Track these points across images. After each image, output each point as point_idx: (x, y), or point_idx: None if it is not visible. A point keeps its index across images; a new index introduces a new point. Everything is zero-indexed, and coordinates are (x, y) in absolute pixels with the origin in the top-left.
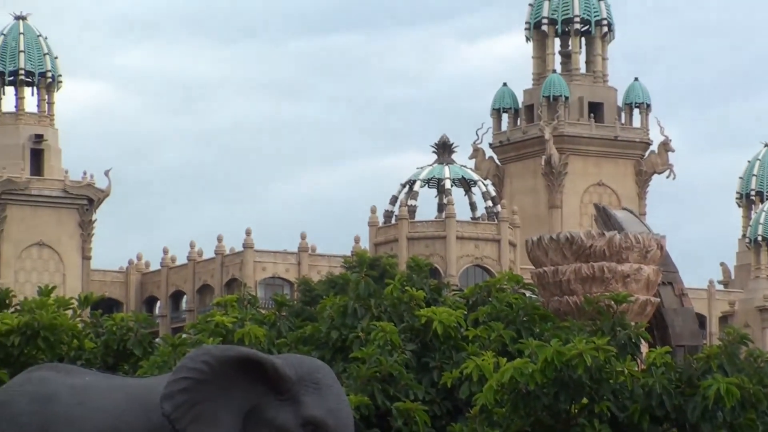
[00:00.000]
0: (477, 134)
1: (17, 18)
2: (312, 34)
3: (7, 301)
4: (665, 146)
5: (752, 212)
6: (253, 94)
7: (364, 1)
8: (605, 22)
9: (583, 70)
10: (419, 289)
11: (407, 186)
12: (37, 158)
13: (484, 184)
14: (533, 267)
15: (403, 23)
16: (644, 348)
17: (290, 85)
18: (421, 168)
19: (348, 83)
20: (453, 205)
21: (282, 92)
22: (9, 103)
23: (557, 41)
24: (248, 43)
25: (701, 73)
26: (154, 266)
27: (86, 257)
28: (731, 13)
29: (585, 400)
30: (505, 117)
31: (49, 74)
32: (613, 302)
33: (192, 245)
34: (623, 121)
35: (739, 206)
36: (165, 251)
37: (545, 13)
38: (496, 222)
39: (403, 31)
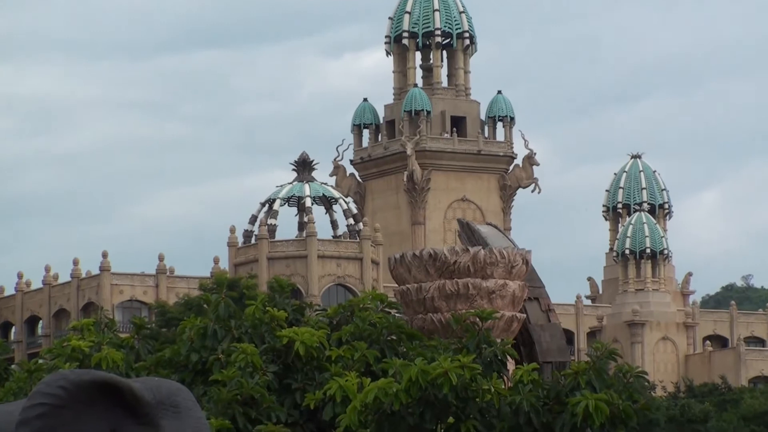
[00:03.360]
0: (337, 151)
1: None
2: (174, 52)
3: None
4: (530, 160)
5: (619, 225)
6: (114, 114)
7: (227, 18)
8: (467, 34)
9: (445, 83)
10: (281, 310)
11: (267, 205)
12: None
13: (345, 202)
14: (397, 285)
15: (266, 39)
16: (511, 365)
17: (152, 103)
18: (281, 186)
19: (210, 101)
20: (314, 223)
21: (144, 111)
22: None
23: (418, 55)
24: (109, 62)
25: (566, 85)
26: (9, 291)
27: None
28: (597, 27)
29: (451, 420)
30: (366, 133)
31: None
32: (478, 319)
33: (47, 269)
34: (486, 135)
35: (606, 220)
36: (19, 275)
37: (405, 26)
38: (358, 240)
39: (266, 47)
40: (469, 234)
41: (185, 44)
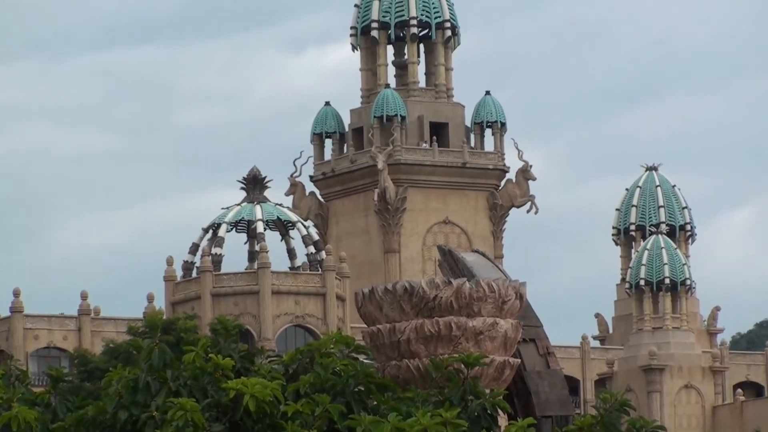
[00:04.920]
0: (295, 165)
1: None
2: (99, 49)
3: None
4: (525, 174)
5: (632, 251)
6: (28, 123)
7: (163, 8)
8: (448, 24)
9: (422, 83)
10: (226, 357)
11: (210, 231)
12: None
13: (304, 226)
14: (366, 325)
15: (212, 33)
16: (503, 420)
17: (74, 110)
18: (227, 208)
19: (143, 106)
20: (267, 252)
21: (63, 119)
22: None
23: (390, 49)
24: (21, 62)
25: (568, 84)
26: None
27: None
28: (605, 13)
29: None
30: (328, 143)
31: None
32: (463, 365)
33: None
34: (473, 144)
35: (617, 244)
36: None
37: (375, 15)
38: (319, 272)
39: (212, 42)
40: (452, 263)
41: (113, 40)
